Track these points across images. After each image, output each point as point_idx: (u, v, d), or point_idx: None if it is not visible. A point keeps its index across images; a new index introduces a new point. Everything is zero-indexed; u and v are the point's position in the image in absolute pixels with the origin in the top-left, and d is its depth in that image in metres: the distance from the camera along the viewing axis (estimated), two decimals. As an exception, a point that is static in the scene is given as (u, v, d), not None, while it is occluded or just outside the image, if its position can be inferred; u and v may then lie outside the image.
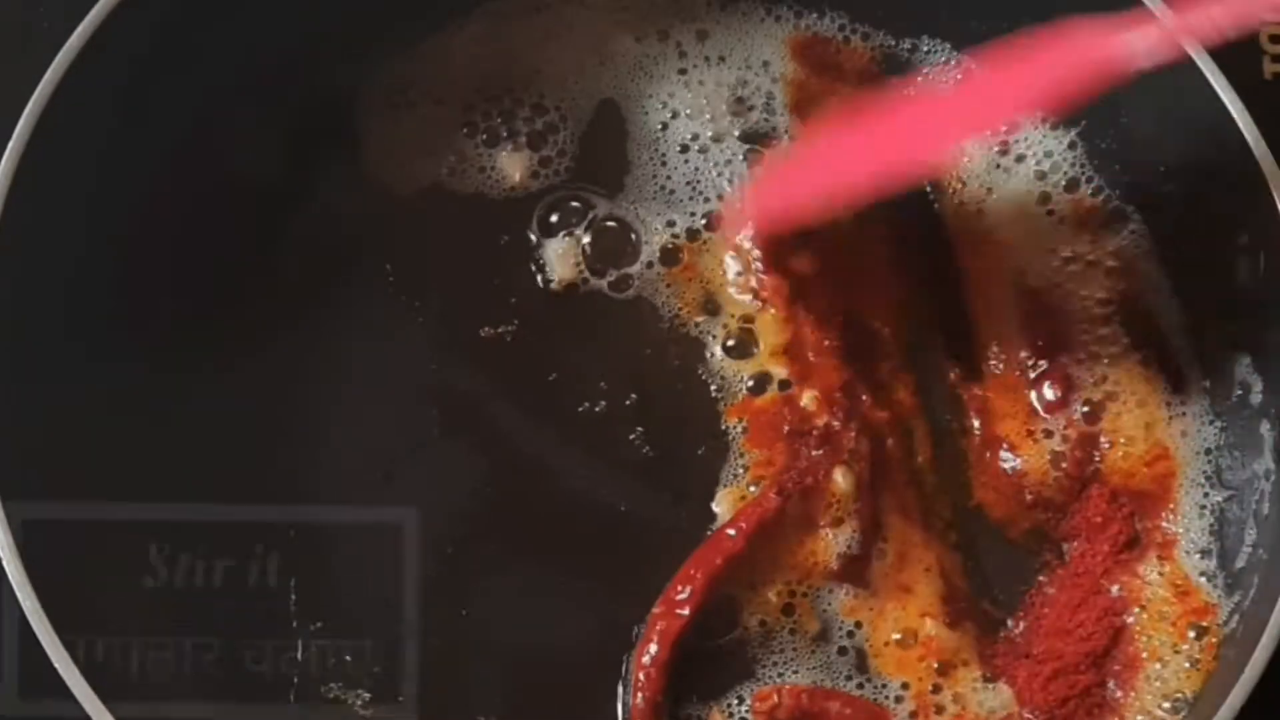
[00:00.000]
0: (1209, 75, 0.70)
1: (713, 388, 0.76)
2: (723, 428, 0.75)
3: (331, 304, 0.77)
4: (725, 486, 0.74)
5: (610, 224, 0.78)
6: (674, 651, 0.70)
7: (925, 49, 0.81)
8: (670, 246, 0.78)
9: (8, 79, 0.70)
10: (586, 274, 0.78)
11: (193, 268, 0.74)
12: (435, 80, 0.80)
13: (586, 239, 0.78)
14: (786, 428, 0.74)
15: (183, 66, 0.72)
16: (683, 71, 0.81)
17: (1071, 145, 0.79)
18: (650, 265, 0.78)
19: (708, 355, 0.77)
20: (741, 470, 0.74)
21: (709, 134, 0.80)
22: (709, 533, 0.73)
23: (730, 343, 0.76)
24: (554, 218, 0.79)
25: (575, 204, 0.79)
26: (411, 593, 0.73)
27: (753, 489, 0.74)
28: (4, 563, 0.63)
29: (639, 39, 0.81)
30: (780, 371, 0.75)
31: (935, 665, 0.72)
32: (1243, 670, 0.64)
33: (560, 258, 0.78)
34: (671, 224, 0.78)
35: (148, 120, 0.72)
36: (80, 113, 0.69)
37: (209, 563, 0.71)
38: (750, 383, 0.76)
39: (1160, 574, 0.73)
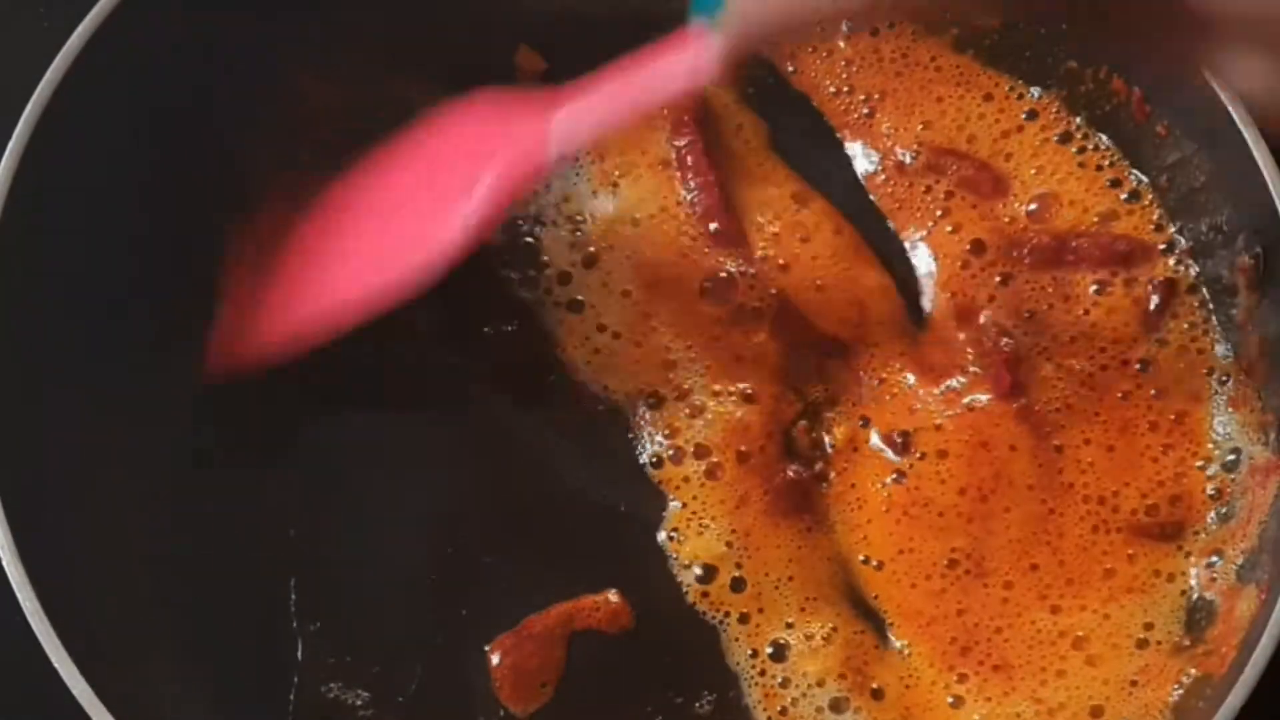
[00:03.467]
0: (1209, 75, 0.70)
1: (713, 388, 0.77)
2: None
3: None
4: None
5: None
6: None
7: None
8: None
9: (8, 79, 0.70)
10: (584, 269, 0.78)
11: (193, 267, 0.75)
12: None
13: (586, 234, 0.78)
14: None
15: (184, 67, 0.72)
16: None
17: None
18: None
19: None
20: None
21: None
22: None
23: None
24: (554, 216, 0.79)
25: (575, 201, 0.79)
26: (411, 593, 0.73)
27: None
28: (4, 563, 0.63)
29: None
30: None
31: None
32: (1243, 670, 0.64)
33: (559, 253, 0.78)
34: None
35: (149, 120, 0.72)
36: (80, 113, 0.69)
37: (210, 563, 0.71)
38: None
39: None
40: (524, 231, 0.78)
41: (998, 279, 0.76)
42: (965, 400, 0.75)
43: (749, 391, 0.75)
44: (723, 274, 0.77)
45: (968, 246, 0.77)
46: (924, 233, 0.78)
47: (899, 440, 0.74)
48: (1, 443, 0.65)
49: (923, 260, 0.78)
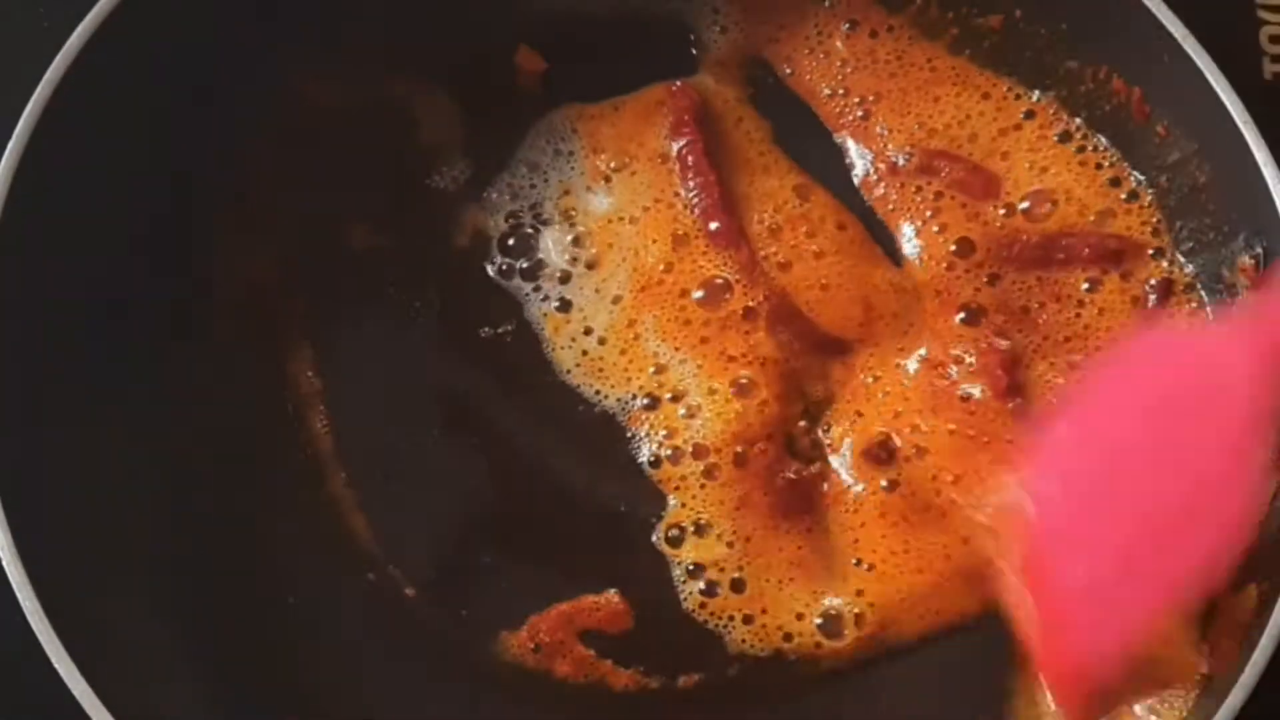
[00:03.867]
0: (1209, 75, 0.71)
1: (712, 388, 0.77)
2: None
3: (332, 303, 0.77)
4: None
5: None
6: None
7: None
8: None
9: (8, 79, 0.69)
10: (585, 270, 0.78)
11: (193, 267, 0.75)
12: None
13: (584, 231, 0.78)
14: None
15: (184, 67, 0.72)
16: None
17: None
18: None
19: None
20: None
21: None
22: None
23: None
24: (552, 212, 0.79)
25: (573, 195, 0.79)
26: (411, 593, 0.73)
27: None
28: (4, 563, 0.63)
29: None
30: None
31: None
32: (1243, 670, 0.64)
33: (557, 252, 0.78)
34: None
35: (149, 120, 0.72)
36: (80, 113, 0.69)
37: (209, 563, 0.71)
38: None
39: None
40: (524, 224, 0.78)
41: (985, 278, 0.76)
42: (962, 400, 0.75)
43: (745, 391, 0.75)
44: (719, 280, 0.77)
45: (953, 247, 0.77)
46: (913, 232, 0.78)
47: (895, 443, 0.74)
48: (1, 443, 0.65)
49: (912, 259, 0.78)
